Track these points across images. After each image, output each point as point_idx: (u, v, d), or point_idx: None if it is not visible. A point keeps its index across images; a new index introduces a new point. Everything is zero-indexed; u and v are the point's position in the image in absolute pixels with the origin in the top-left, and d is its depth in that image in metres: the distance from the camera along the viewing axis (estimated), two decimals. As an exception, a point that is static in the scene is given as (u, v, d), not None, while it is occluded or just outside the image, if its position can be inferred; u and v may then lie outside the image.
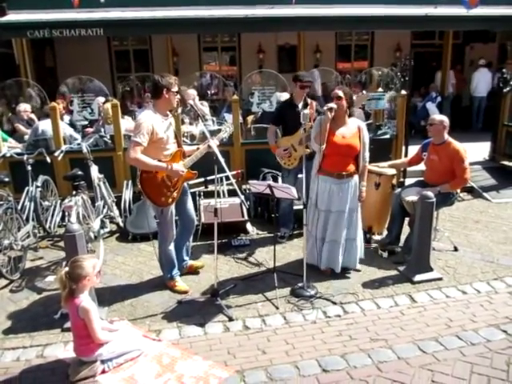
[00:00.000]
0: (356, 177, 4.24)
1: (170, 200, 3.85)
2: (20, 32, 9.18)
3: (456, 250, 4.88)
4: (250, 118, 7.43)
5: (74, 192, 4.70)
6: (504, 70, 7.84)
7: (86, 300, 2.98)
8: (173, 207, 3.95)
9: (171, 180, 3.79)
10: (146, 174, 3.73)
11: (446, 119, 4.68)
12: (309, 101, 5.02)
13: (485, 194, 6.77)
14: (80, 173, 4.77)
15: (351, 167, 4.19)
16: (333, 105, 4.01)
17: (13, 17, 9.29)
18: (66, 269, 3.00)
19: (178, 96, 3.80)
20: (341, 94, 4.06)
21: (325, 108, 4.02)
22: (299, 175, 5.07)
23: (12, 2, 9.69)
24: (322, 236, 4.25)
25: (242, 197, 5.50)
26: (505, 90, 7.58)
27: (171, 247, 4.07)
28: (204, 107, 7.69)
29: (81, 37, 9.14)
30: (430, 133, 4.74)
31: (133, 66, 11.74)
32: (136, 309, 3.84)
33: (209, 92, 11.94)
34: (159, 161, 3.69)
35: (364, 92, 7.90)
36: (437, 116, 4.82)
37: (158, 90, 3.67)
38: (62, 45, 10.91)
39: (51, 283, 4.32)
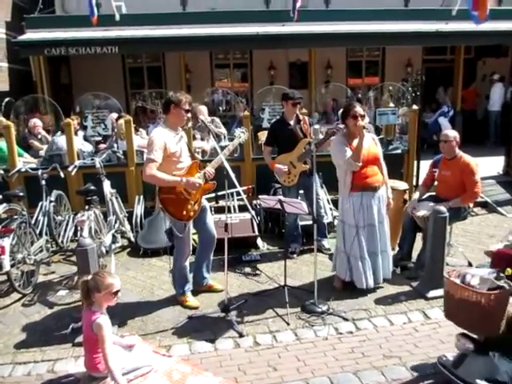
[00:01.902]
0: (384, 186, 4.27)
1: (192, 213, 3.87)
2: (37, 50, 9.46)
3: (470, 265, 4.79)
4: (260, 134, 7.46)
5: (87, 207, 4.74)
6: (516, 84, 7.79)
7: (102, 317, 2.96)
8: (190, 223, 3.96)
9: (189, 193, 3.82)
10: (164, 191, 3.77)
11: (457, 135, 4.68)
12: (301, 116, 5.05)
13: (499, 209, 6.68)
14: (93, 188, 4.82)
15: (380, 177, 4.20)
16: (364, 123, 4.05)
17: (31, 35, 9.57)
18: (89, 277, 3.03)
19: (189, 114, 3.86)
20: (362, 112, 4.10)
21: (361, 125, 3.99)
22: (300, 191, 5.08)
23: (30, 21, 10.02)
24: (364, 254, 4.15)
25: (253, 212, 5.60)
26: (518, 104, 7.52)
27: (186, 263, 4.07)
28: (218, 126, 7.62)
29: (95, 54, 9.36)
30: (442, 149, 4.71)
31: (146, 82, 11.94)
32: (146, 324, 3.83)
33: (220, 108, 12.06)
34: (174, 175, 3.73)
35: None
36: (449, 132, 4.78)
37: (167, 105, 3.80)
38: (78, 62, 11.18)
39: (63, 297, 4.35)
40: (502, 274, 2.68)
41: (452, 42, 10.72)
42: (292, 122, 4.99)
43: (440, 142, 4.73)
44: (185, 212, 3.83)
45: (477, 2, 7.75)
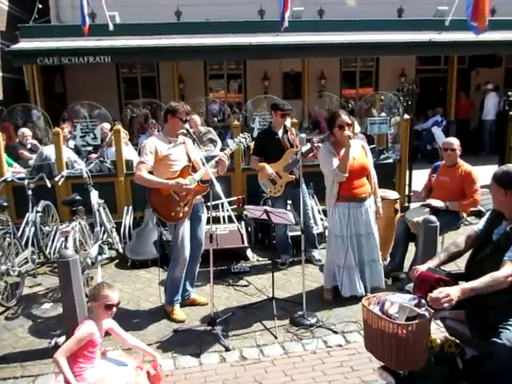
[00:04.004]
0: (372, 196, 4.22)
1: (181, 215, 3.85)
2: (31, 59, 9.47)
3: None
4: (252, 144, 7.38)
5: (72, 217, 4.66)
6: (510, 93, 7.77)
7: (88, 322, 2.90)
8: (187, 230, 3.92)
9: (179, 194, 3.83)
10: (153, 191, 3.88)
11: (459, 142, 4.67)
12: (288, 127, 5.01)
13: (493, 219, 6.60)
14: (78, 198, 4.74)
15: (368, 187, 4.15)
16: (350, 133, 3.98)
17: (24, 44, 9.57)
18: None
19: (187, 125, 3.95)
20: (349, 120, 4.05)
21: (347, 134, 3.92)
22: (289, 201, 5.02)
23: (24, 30, 10.02)
24: (352, 263, 4.10)
25: (243, 223, 5.52)
26: (511, 113, 7.50)
27: (181, 274, 4.01)
28: (212, 138, 7.54)
29: (89, 64, 9.36)
30: (448, 157, 4.66)
31: (140, 92, 11.92)
32: (131, 337, 3.73)
33: (215, 119, 12.05)
34: (168, 178, 3.80)
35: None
36: (453, 140, 4.73)
37: (165, 114, 3.98)
38: (72, 71, 11.18)
39: (47, 311, 4.26)
40: (423, 301, 2.39)
41: (445, 51, 10.80)
42: (280, 132, 4.95)
43: (445, 151, 4.68)
44: (173, 213, 3.84)
45: (476, 12, 7.83)
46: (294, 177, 4.81)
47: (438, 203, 4.46)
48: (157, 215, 3.98)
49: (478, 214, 6.72)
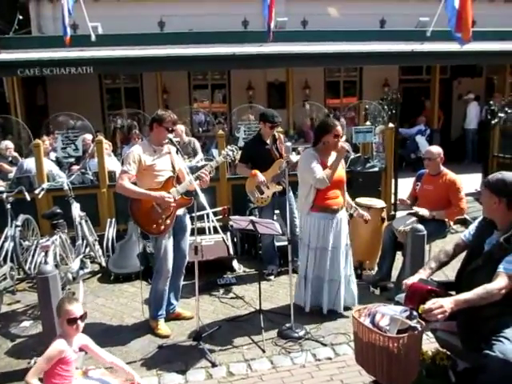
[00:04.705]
0: (344, 209, 4.17)
1: (163, 227, 3.75)
2: (11, 70, 9.28)
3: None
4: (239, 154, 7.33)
5: (54, 231, 4.53)
6: (491, 102, 7.90)
7: (58, 341, 2.78)
8: (170, 242, 3.83)
9: (161, 207, 3.73)
10: (135, 202, 3.77)
11: (441, 151, 4.66)
12: (277, 135, 4.96)
13: (478, 226, 6.63)
14: (59, 211, 4.62)
15: (341, 199, 4.10)
16: (346, 145, 4.00)
17: (5, 56, 9.38)
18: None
19: (170, 135, 3.79)
20: (341, 131, 4.03)
21: (342, 147, 3.93)
22: (276, 211, 4.96)
23: (5, 41, 9.85)
24: (316, 275, 4.05)
25: (228, 234, 5.44)
26: (493, 122, 7.61)
27: (165, 286, 3.91)
28: (194, 148, 7.46)
29: (71, 75, 9.22)
30: (427, 167, 4.67)
31: (124, 103, 11.80)
32: (114, 354, 3.56)
33: (200, 129, 11.99)
34: (151, 189, 3.70)
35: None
36: (433, 149, 4.71)
37: (151, 122, 3.88)
38: (54, 83, 11.00)
39: (26, 329, 4.11)
40: (414, 313, 2.34)
41: (427, 61, 10.92)
42: (269, 142, 4.89)
43: (424, 160, 4.68)
44: (155, 226, 3.74)
45: (460, 23, 7.97)
46: (281, 187, 4.75)
47: (424, 212, 4.44)
48: (138, 226, 3.88)
49: (464, 222, 6.75)
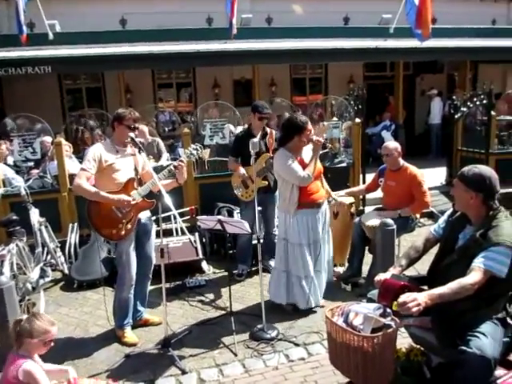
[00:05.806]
0: (326, 201, 4.20)
1: (123, 232, 3.56)
2: (-39, 72, 8.79)
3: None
4: (204, 153, 7.19)
5: (11, 239, 4.28)
6: (454, 97, 8.05)
7: (30, 362, 2.55)
8: (132, 248, 3.65)
9: (121, 211, 3.54)
10: (93, 205, 3.54)
11: (398, 145, 4.66)
12: (268, 130, 4.86)
13: (445, 219, 6.73)
14: (15, 217, 4.37)
15: (323, 191, 4.11)
16: (321, 139, 3.96)
17: (-46, 57, 8.88)
18: (23, 317, 2.63)
19: (132, 134, 3.61)
20: (311, 127, 3.98)
21: (318, 140, 3.90)
22: (258, 208, 4.86)
23: (-45, 42, 9.33)
24: (310, 271, 3.98)
25: (197, 234, 5.30)
26: (456, 117, 7.75)
27: (129, 294, 3.74)
28: (158, 148, 7.26)
29: (28, 75, 8.83)
30: (386, 162, 4.68)
31: (85, 103, 11.43)
32: (78, 367, 3.40)
33: (166, 129, 11.75)
34: (111, 192, 3.49)
35: (324, 123, 7.90)
36: (389, 144, 4.75)
37: (112, 122, 3.75)
38: (10, 84, 10.52)
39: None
40: (388, 310, 2.30)
41: (390, 57, 11.08)
42: (258, 136, 4.78)
43: (383, 156, 4.69)
44: (114, 231, 3.54)
45: (419, 20, 8.09)
46: (266, 183, 4.66)
47: (390, 217, 4.38)
48: (96, 232, 3.63)
49: (431, 216, 6.85)
